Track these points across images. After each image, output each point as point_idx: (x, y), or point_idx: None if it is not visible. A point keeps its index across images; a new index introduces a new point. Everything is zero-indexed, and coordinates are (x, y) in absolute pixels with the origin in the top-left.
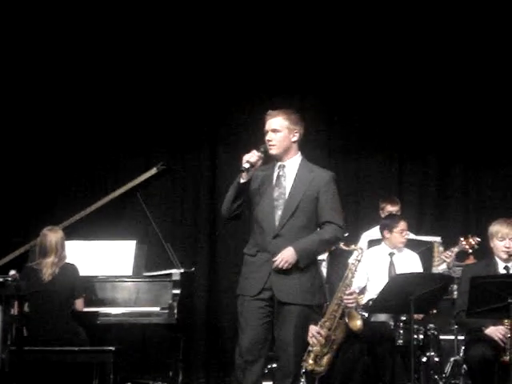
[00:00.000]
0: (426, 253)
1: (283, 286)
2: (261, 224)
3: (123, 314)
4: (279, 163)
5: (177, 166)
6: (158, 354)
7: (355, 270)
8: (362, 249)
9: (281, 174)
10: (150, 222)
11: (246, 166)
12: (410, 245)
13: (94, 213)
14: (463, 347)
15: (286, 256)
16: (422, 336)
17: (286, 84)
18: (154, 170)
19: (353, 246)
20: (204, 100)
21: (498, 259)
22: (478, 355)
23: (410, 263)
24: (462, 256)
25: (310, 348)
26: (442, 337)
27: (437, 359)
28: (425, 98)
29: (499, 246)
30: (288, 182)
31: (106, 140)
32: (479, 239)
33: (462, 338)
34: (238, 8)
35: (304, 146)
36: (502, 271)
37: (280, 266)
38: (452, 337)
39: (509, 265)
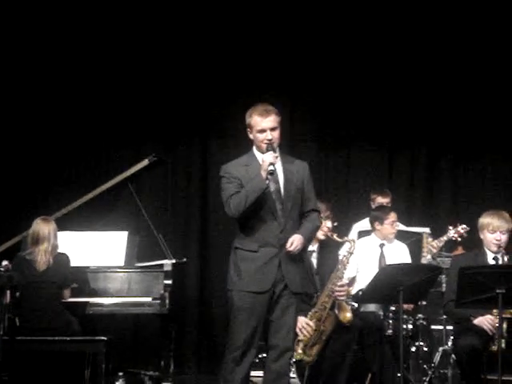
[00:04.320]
0: (415, 244)
1: (294, 276)
2: (264, 219)
3: (115, 304)
4: None
5: (168, 158)
6: (150, 343)
7: (347, 262)
8: (354, 241)
9: (272, 168)
10: (141, 213)
11: (272, 168)
12: (400, 236)
13: (86, 204)
14: (452, 337)
15: (299, 242)
16: (411, 326)
17: (276, 78)
18: (145, 162)
19: (345, 238)
20: (196, 92)
21: (487, 250)
22: (466, 345)
23: (399, 254)
24: (451, 246)
25: (298, 338)
26: (431, 326)
27: (426, 349)
28: (414, 91)
29: (490, 238)
30: (280, 176)
31: (98, 131)
32: (468, 228)
33: (450, 327)
34: (229, 6)
35: (295, 138)
36: (491, 262)
37: (295, 250)
38: (441, 327)
39: (498, 256)
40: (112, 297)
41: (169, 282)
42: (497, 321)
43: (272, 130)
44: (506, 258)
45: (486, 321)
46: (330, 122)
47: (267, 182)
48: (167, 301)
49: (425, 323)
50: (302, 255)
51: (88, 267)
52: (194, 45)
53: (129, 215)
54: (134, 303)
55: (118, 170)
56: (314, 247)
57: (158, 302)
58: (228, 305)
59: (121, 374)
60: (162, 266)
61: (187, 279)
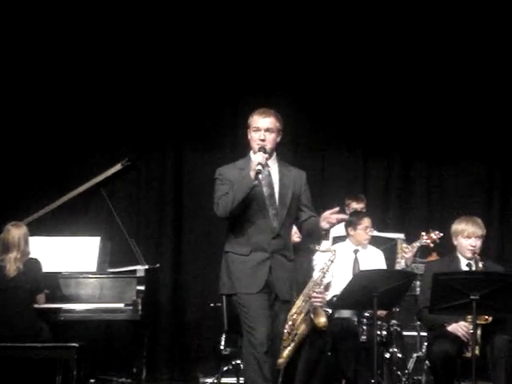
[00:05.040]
0: (389, 249)
1: (283, 285)
2: (256, 224)
3: (87, 311)
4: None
5: (141, 163)
6: (122, 350)
7: (327, 270)
8: (335, 250)
9: (266, 173)
10: (114, 218)
11: (260, 167)
12: (374, 241)
13: (58, 209)
14: (426, 343)
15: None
16: (385, 332)
17: (253, 82)
18: (118, 166)
19: (327, 248)
20: (169, 97)
21: (460, 256)
22: (440, 351)
23: (374, 260)
24: (424, 252)
25: None
26: (404, 333)
27: (400, 355)
28: (388, 96)
29: (465, 244)
30: (275, 182)
31: (71, 135)
32: (441, 234)
33: (424, 334)
34: (210, 9)
35: None
36: (464, 268)
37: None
38: (415, 333)
39: (471, 262)
40: (84, 303)
41: (141, 287)
42: (471, 327)
43: (267, 131)
44: (480, 264)
45: (459, 327)
46: (304, 128)
47: (255, 182)
48: (140, 307)
49: (398, 329)
50: (291, 262)
51: (60, 273)
52: (170, 50)
53: (101, 220)
54: (106, 309)
55: (91, 175)
56: None
57: (131, 308)
58: (234, 308)
59: (92, 380)
60: (134, 271)
61: (160, 285)
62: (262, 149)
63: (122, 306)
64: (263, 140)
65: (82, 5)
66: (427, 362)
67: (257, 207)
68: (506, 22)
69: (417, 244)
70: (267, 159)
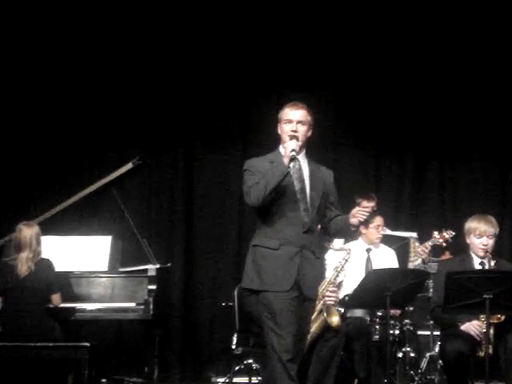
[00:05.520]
0: (402, 248)
1: (311, 283)
2: (287, 216)
3: (98, 310)
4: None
5: (153, 162)
6: (134, 349)
7: (341, 270)
8: (350, 249)
9: (297, 167)
10: (125, 218)
11: (294, 154)
12: (387, 240)
13: (70, 208)
14: (439, 343)
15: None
16: (397, 331)
17: (264, 82)
18: (129, 165)
19: (341, 247)
20: (181, 96)
21: (473, 255)
22: (453, 350)
23: (386, 259)
24: (437, 251)
25: None
26: (417, 332)
27: (412, 354)
28: (401, 94)
29: (476, 242)
30: (305, 176)
31: (82, 135)
32: (453, 233)
33: (437, 333)
34: (225, 8)
35: (279, 141)
36: (477, 267)
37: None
38: (428, 332)
39: (484, 260)
40: (95, 302)
41: (153, 287)
42: (484, 326)
43: (298, 123)
44: (492, 263)
45: (472, 326)
46: (316, 125)
47: (289, 168)
48: (151, 306)
49: (412, 329)
50: (318, 259)
51: (71, 272)
52: (182, 49)
53: (112, 220)
54: (117, 309)
55: (102, 174)
56: None
57: (142, 307)
58: (250, 306)
59: (104, 380)
60: (146, 270)
61: (172, 284)
62: (295, 137)
63: (133, 305)
64: (295, 131)
65: (100, 5)
66: (440, 361)
67: (287, 199)
68: None
69: (429, 243)
70: (298, 153)
